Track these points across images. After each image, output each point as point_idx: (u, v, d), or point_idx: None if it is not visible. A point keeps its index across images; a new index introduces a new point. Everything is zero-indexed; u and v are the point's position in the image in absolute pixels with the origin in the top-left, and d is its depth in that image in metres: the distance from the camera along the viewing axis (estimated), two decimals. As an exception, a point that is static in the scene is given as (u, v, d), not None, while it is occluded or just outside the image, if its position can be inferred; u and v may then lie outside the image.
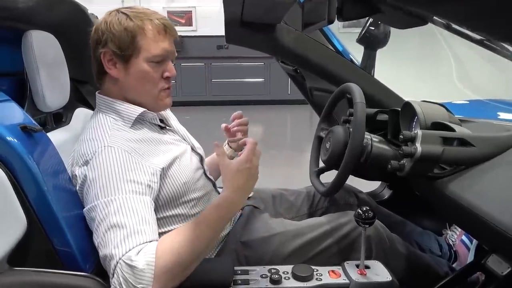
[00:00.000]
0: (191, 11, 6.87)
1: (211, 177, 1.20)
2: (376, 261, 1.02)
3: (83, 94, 1.41)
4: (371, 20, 1.68)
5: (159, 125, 1.08)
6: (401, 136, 1.01)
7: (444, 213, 1.10)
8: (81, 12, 1.22)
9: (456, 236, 1.43)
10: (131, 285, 0.76)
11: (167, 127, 1.11)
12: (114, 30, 0.97)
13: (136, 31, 0.98)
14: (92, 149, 0.91)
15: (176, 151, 1.05)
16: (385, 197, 1.66)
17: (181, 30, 6.72)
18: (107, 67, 1.00)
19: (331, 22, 0.81)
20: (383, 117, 1.37)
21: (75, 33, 1.21)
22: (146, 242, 0.81)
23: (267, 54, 1.45)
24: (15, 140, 0.80)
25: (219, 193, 1.21)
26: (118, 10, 1.02)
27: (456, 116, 1.27)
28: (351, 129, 1.12)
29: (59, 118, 1.26)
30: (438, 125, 1.10)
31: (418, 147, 0.96)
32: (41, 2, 1.02)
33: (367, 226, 0.95)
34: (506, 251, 0.86)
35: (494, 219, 0.79)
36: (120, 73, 1.00)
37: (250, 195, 1.34)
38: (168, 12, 6.78)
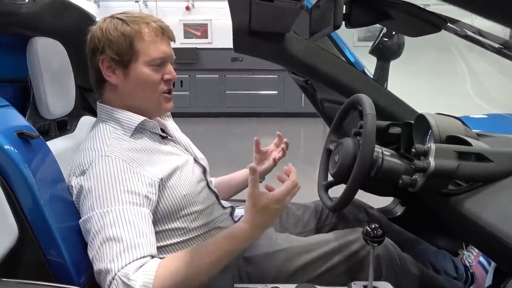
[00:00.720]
0: (206, 24, 6.95)
1: (215, 189, 1.16)
2: (386, 283, 0.96)
3: (89, 102, 1.40)
4: (384, 30, 1.64)
5: (160, 135, 1.05)
6: (413, 150, 0.95)
7: (459, 232, 1.03)
8: (89, 19, 1.22)
9: (473, 257, 1.35)
10: None
11: (169, 137, 1.08)
12: (111, 36, 0.96)
13: (134, 35, 0.96)
14: (89, 159, 0.89)
15: (177, 161, 1.01)
16: (398, 213, 1.59)
17: (197, 43, 6.82)
18: (106, 75, 0.98)
19: (336, 27, 0.77)
20: (396, 130, 1.31)
21: (83, 41, 1.20)
22: (143, 256, 0.77)
23: (276, 63, 1.42)
24: (10, 146, 0.78)
25: (222, 206, 1.17)
26: (112, 16, 1.00)
27: (473, 130, 1.21)
28: (361, 142, 1.07)
29: (64, 126, 1.25)
30: (453, 139, 1.05)
31: (432, 161, 0.91)
32: (47, 9, 1.02)
33: (376, 245, 0.90)
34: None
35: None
36: (119, 79, 0.98)
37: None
38: (184, 25, 6.88)
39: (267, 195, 0.82)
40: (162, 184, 0.93)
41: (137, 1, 6.74)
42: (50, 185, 0.85)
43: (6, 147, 0.77)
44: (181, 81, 6.71)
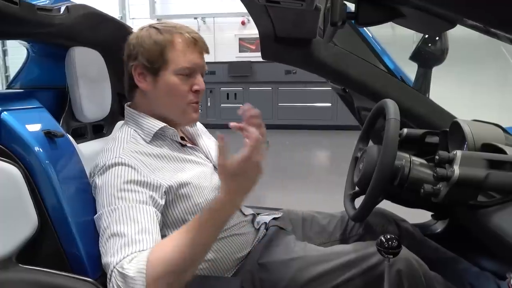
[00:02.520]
0: (261, 37, 7.06)
1: None
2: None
3: (126, 108, 1.48)
4: (426, 36, 1.56)
5: (180, 143, 1.07)
6: (436, 157, 0.89)
7: (491, 249, 0.93)
8: (125, 30, 1.29)
9: (521, 281, 1.21)
10: None
11: (188, 145, 1.10)
12: (145, 44, 1.00)
13: (165, 44, 0.99)
14: (104, 159, 0.94)
15: (194, 169, 1.03)
16: (438, 230, 1.47)
17: (251, 56, 6.95)
18: (138, 80, 1.03)
19: (334, 25, 0.74)
20: (434, 139, 1.23)
21: (120, 51, 1.28)
22: (142, 250, 0.79)
23: (305, 70, 1.40)
24: (36, 143, 0.85)
25: (243, 214, 1.16)
26: (150, 25, 1.05)
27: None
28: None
29: (100, 129, 1.34)
30: (490, 147, 0.96)
31: (456, 169, 0.84)
32: (82, 21, 1.10)
33: (391, 256, 0.84)
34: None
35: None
36: (149, 86, 1.02)
37: (279, 215, 1.27)
38: (240, 39, 7.06)
39: (232, 158, 0.75)
40: (173, 191, 0.95)
41: (196, 18, 7.05)
42: (71, 181, 0.91)
43: (32, 144, 0.84)
44: (235, 94, 6.87)
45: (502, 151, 0.91)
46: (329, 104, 6.63)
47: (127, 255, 0.78)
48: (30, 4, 0.87)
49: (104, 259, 0.81)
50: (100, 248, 0.85)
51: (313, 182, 3.89)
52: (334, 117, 6.65)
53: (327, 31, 0.90)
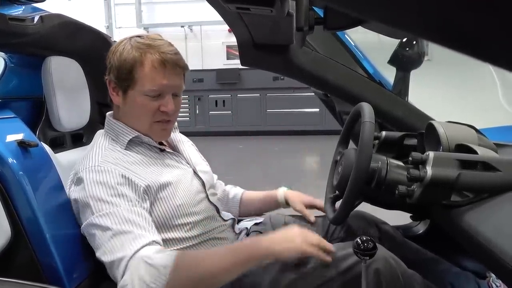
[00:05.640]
0: (248, 45, 7.09)
1: (215, 203, 1.17)
2: (383, 302, 0.89)
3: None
4: (403, 40, 1.59)
5: (158, 148, 1.08)
6: (410, 158, 0.90)
7: (466, 248, 0.94)
8: (103, 40, 1.30)
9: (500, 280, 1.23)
10: (147, 281, 0.78)
11: (167, 150, 1.11)
12: (117, 60, 1.00)
13: (134, 63, 0.98)
14: (83, 167, 0.95)
15: (173, 173, 1.04)
16: (420, 231, 1.48)
17: (239, 63, 6.97)
18: (111, 93, 1.04)
19: (299, 30, 0.76)
20: (412, 141, 1.25)
21: (99, 60, 1.28)
22: (153, 241, 0.84)
23: (285, 76, 1.42)
24: (8, 153, 0.84)
25: (223, 219, 1.17)
26: (130, 38, 1.03)
27: (497, 141, 1.12)
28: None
29: (79, 138, 1.33)
30: (462, 148, 0.98)
31: (429, 170, 0.85)
32: (58, 30, 1.10)
33: (367, 258, 0.85)
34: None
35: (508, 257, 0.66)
36: (120, 100, 1.03)
37: (260, 220, 1.28)
38: (227, 46, 7.09)
39: (303, 230, 0.95)
40: (153, 192, 0.96)
41: (183, 26, 7.07)
42: (46, 191, 0.91)
43: (4, 154, 0.84)
44: (224, 101, 6.88)
45: (474, 152, 0.93)
46: (317, 110, 6.67)
47: (144, 245, 0.81)
48: (1, 14, 0.86)
49: (111, 257, 0.83)
50: (99, 253, 0.86)
51: (302, 187, 3.89)
52: (322, 122, 6.69)
53: (296, 36, 0.91)
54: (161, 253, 0.82)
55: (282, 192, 1.32)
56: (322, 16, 0.88)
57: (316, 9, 0.97)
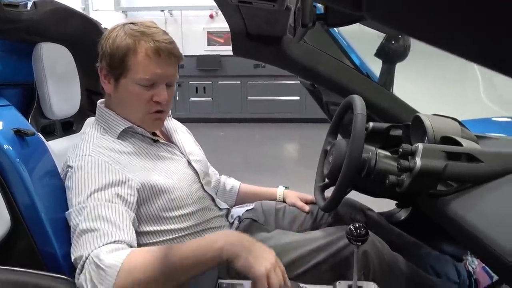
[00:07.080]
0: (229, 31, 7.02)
1: (210, 192, 1.18)
2: (372, 283, 0.94)
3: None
4: (389, 33, 1.63)
5: (152, 138, 1.07)
6: (400, 150, 0.95)
7: (450, 234, 1.01)
8: (94, 26, 1.28)
9: (477, 262, 1.31)
10: (95, 282, 0.74)
11: (161, 141, 1.10)
12: (109, 47, 0.98)
13: (127, 51, 0.96)
14: (74, 156, 0.93)
15: (167, 165, 1.04)
16: (402, 217, 1.55)
17: (220, 50, 6.91)
18: (103, 81, 1.02)
19: (304, 26, 0.78)
20: (398, 132, 1.30)
21: (89, 46, 1.26)
22: (116, 241, 0.79)
23: (276, 67, 1.44)
24: (5, 142, 0.84)
25: (219, 208, 1.18)
26: (124, 24, 1.01)
27: (477, 132, 1.18)
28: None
29: (70, 126, 1.32)
30: (448, 140, 1.03)
31: (418, 161, 0.90)
32: (50, 16, 1.08)
33: (360, 243, 0.89)
34: (507, 279, 0.77)
35: (493, 242, 0.71)
36: (112, 88, 1.01)
37: (251, 207, 1.31)
38: (208, 33, 7.00)
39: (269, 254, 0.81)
40: (146, 188, 0.95)
41: (163, 10, 6.92)
42: (44, 180, 0.90)
43: (2, 143, 0.83)
44: (204, 87, 6.82)
45: (459, 144, 0.99)
46: (298, 98, 6.72)
47: (102, 245, 0.78)
48: (-4, 0, 0.84)
49: (75, 254, 0.80)
50: (72, 246, 0.84)
51: (283, 174, 3.96)
52: (302, 110, 6.75)
53: (298, 32, 0.93)
54: (113, 253, 0.77)
55: (281, 190, 1.39)
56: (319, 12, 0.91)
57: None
